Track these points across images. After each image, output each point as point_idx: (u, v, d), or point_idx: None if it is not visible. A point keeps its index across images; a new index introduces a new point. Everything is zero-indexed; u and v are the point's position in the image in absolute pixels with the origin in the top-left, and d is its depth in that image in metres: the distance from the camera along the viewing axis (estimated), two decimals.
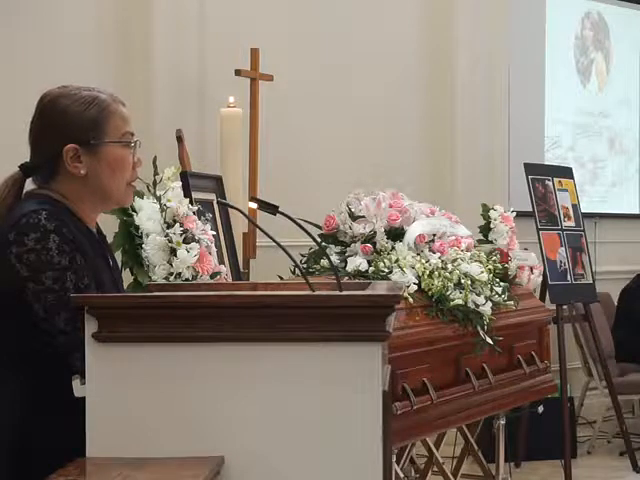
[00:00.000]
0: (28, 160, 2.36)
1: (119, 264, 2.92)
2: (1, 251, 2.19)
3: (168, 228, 3.02)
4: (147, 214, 3.05)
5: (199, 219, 3.14)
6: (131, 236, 3.03)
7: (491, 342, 3.66)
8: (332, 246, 3.76)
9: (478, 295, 3.68)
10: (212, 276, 3.05)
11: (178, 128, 4.27)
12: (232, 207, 2.45)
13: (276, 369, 1.98)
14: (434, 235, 3.78)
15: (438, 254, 3.69)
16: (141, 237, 3.02)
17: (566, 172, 6.77)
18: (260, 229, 2.30)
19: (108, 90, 2.39)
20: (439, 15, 6.57)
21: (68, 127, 2.30)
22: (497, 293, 3.79)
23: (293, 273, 3.37)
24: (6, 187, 2.32)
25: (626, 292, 7.29)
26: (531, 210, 6.17)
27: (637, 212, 8.35)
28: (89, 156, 2.31)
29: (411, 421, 3.28)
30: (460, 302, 3.57)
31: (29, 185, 2.37)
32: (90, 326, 2.00)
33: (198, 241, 3.05)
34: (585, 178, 7.86)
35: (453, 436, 4.62)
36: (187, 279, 2.97)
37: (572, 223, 6.54)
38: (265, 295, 2.10)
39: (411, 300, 3.41)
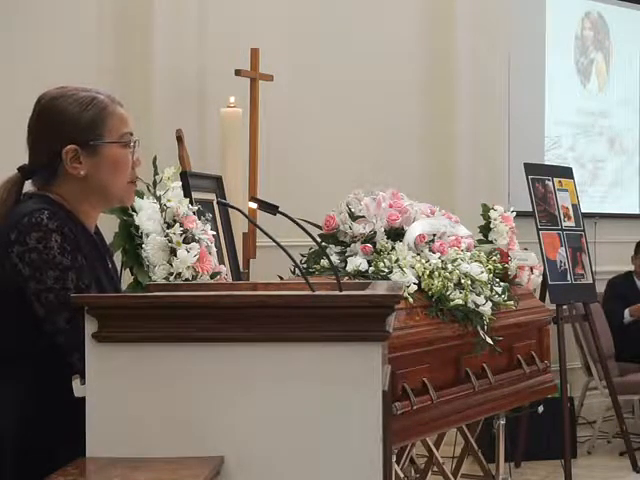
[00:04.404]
0: (27, 161, 2.36)
1: (119, 264, 2.92)
2: (2, 251, 2.19)
3: (168, 228, 3.02)
4: (147, 214, 3.05)
5: (199, 219, 3.14)
6: (131, 236, 3.03)
7: (491, 342, 3.66)
8: (332, 246, 3.76)
9: (478, 295, 3.68)
10: (212, 276, 3.05)
11: (178, 128, 4.27)
12: (232, 207, 2.45)
13: (276, 369, 1.98)
14: (434, 235, 3.78)
15: (438, 254, 3.69)
16: (141, 237, 3.02)
17: (566, 172, 6.77)
18: (260, 229, 2.31)
19: (106, 91, 2.39)
20: (439, 15, 6.57)
21: (66, 128, 2.29)
22: (497, 293, 3.79)
23: (293, 273, 3.37)
24: (5, 190, 2.32)
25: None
26: (531, 210, 6.17)
27: (637, 212, 8.35)
28: (89, 157, 2.31)
29: (411, 421, 3.28)
30: (460, 302, 3.57)
31: (28, 187, 2.37)
32: (90, 326, 2.00)
33: (198, 241, 3.05)
34: (585, 178, 7.86)
35: (453, 436, 4.62)
36: (187, 279, 2.96)
37: (572, 223, 6.54)
38: (265, 295, 2.10)
39: (411, 300, 3.41)
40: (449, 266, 3.64)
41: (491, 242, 4.32)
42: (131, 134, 2.36)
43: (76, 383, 2.09)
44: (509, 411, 4.35)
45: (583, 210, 6.78)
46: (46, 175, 2.32)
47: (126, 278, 2.97)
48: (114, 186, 2.34)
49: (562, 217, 6.44)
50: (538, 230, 6.18)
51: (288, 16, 5.85)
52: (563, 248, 6.33)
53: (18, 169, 2.35)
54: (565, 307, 6.22)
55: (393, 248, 3.64)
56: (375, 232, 3.69)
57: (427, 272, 3.55)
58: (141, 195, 3.07)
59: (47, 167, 2.32)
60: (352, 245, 3.71)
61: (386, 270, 3.52)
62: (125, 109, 2.39)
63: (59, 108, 2.30)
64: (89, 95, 2.33)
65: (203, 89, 5.46)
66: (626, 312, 7.16)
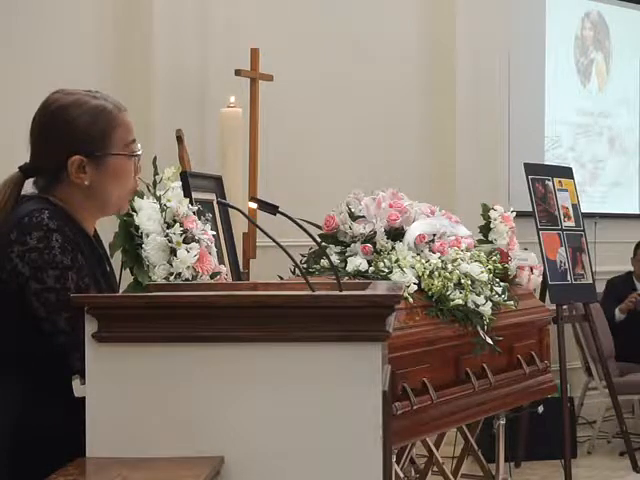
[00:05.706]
0: (28, 160, 2.36)
1: (119, 264, 2.92)
2: (2, 251, 2.19)
3: (168, 228, 3.02)
4: (147, 214, 3.04)
5: (199, 219, 3.13)
6: (131, 236, 3.03)
7: (491, 342, 3.66)
8: (332, 246, 3.76)
9: (478, 295, 3.68)
10: (212, 276, 3.05)
11: (178, 128, 4.27)
12: (232, 207, 2.45)
13: (276, 369, 1.98)
14: (434, 235, 3.78)
15: (438, 254, 3.69)
16: (141, 237, 3.02)
17: (566, 172, 6.78)
18: (260, 229, 2.30)
19: (112, 97, 2.37)
20: (439, 15, 6.58)
21: (75, 138, 2.28)
22: (497, 293, 3.79)
23: (293, 273, 3.37)
24: (7, 188, 2.32)
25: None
26: (531, 210, 6.18)
27: (637, 212, 8.35)
28: (94, 167, 2.30)
29: (411, 421, 3.28)
30: (460, 302, 3.57)
31: (27, 188, 2.36)
32: (90, 326, 2.00)
33: (198, 241, 3.05)
34: (585, 178, 7.87)
35: (453, 436, 4.62)
36: (187, 279, 2.96)
37: (572, 223, 6.54)
38: (265, 295, 2.10)
39: (411, 300, 3.41)
40: (449, 266, 3.64)
41: (491, 242, 4.32)
42: (134, 141, 2.36)
43: (76, 383, 2.10)
44: (509, 411, 4.35)
45: (583, 210, 6.78)
46: (48, 180, 2.32)
47: (126, 278, 2.97)
48: (115, 196, 2.34)
49: (562, 217, 6.44)
50: (538, 230, 6.18)
51: (288, 16, 5.85)
52: (563, 248, 6.33)
53: (19, 168, 2.35)
54: (565, 307, 6.23)
55: (393, 248, 3.64)
56: (375, 232, 3.69)
57: (427, 272, 3.55)
58: (141, 195, 3.07)
59: (51, 173, 2.31)
60: (352, 245, 3.71)
61: (386, 270, 3.52)
62: (127, 113, 2.38)
63: (69, 117, 2.29)
64: (98, 104, 2.31)
65: (203, 89, 5.46)
66: (616, 311, 7.16)
